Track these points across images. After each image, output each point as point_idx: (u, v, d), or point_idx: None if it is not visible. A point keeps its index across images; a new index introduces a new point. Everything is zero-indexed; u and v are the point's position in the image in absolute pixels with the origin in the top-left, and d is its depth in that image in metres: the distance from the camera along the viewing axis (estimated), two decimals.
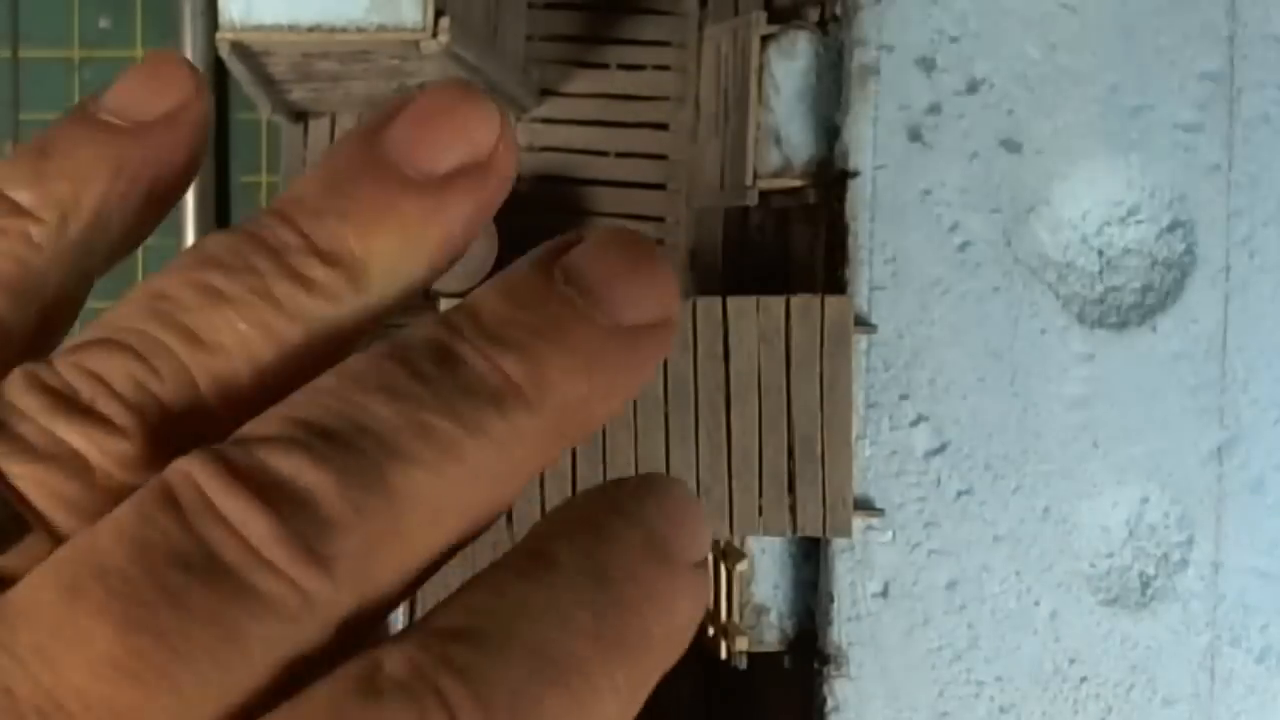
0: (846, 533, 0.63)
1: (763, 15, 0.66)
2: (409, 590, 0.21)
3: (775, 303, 0.62)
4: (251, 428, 0.20)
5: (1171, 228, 0.64)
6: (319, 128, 0.79)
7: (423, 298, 0.80)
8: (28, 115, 0.84)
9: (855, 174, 0.64)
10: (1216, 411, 0.64)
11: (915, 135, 0.64)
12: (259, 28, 0.65)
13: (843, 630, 0.64)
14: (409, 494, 0.20)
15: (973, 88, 0.64)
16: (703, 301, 0.62)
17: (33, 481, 0.20)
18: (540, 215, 0.79)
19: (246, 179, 0.84)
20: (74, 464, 0.20)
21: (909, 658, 0.64)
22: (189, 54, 0.81)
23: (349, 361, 0.20)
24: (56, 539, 0.20)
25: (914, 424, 0.64)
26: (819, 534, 0.63)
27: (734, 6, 0.73)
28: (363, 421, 0.20)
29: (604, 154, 0.79)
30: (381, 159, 0.21)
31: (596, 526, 0.20)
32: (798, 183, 0.66)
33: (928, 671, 0.64)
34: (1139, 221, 0.65)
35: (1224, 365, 0.64)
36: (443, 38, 0.65)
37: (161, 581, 0.19)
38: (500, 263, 0.74)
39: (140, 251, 0.85)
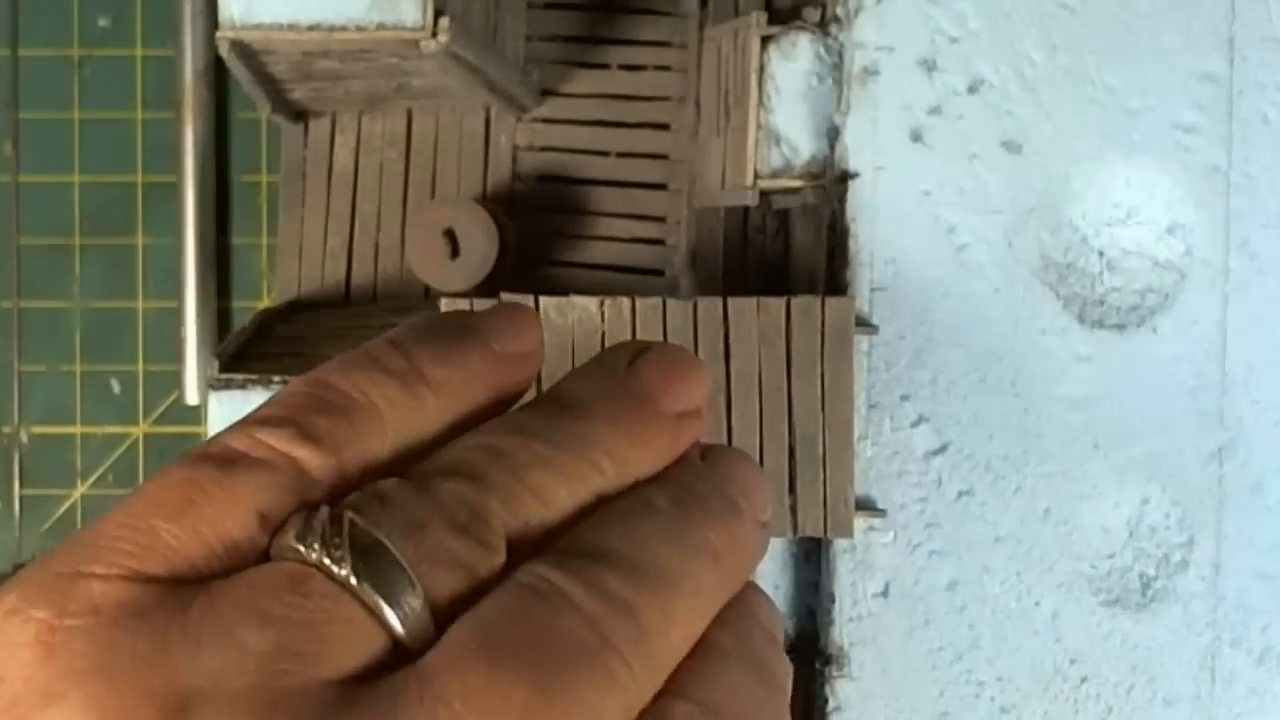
0: (848, 533, 0.63)
1: (763, 16, 0.66)
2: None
3: (776, 303, 0.62)
4: (573, 546, 0.30)
5: (1171, 229, 0.64)
6: (319, 127, 0.79)
7: (423, 295, 0.79)
8: (26, 114, 0.84)
9: (856, 175, 0.64)
10: (1217, 413, 0.64)
11: (916, 136, 0.64)
12: (259, 26, 0.65)
13: (844, 630, 0.64)
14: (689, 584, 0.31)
15: (973, 88, 0.64)
16: (703, 302, 0.62)
17: (436, 580, 0.28)
18: (541, 216, 0.79)
19: (246, 178, 0.84)
20: (464, 572, 0.29)
21: (910, 658, 0.64)
22: (188, 53, 0.81)
23: (632, 506, 0.31)
24: (444, 621, 0.28)
25: (915, 424, 0.64)
26: (820, 534, 0.63)
27: (734, 7, 0.73)
28: (646, 553, 0.30)
29: (605, 154, 0.79)
30: (644, 394, 0.33)
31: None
32: (798, 183, 0.66)
33: (929, 672, 0.64)
34: (1139, 223, 0.65)
35: (1224, 367, 0.64)
36: (442, 37, 0.65)
37: (551, 657, 0.28)
38: (500, 263, 0.73)
39: (140, 251, 0.84)
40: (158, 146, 0.83)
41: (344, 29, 0.65)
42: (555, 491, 0.30)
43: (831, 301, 0.62)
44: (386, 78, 0.73)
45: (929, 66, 0.64)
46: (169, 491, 0.29)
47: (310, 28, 0.65)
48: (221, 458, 0.30)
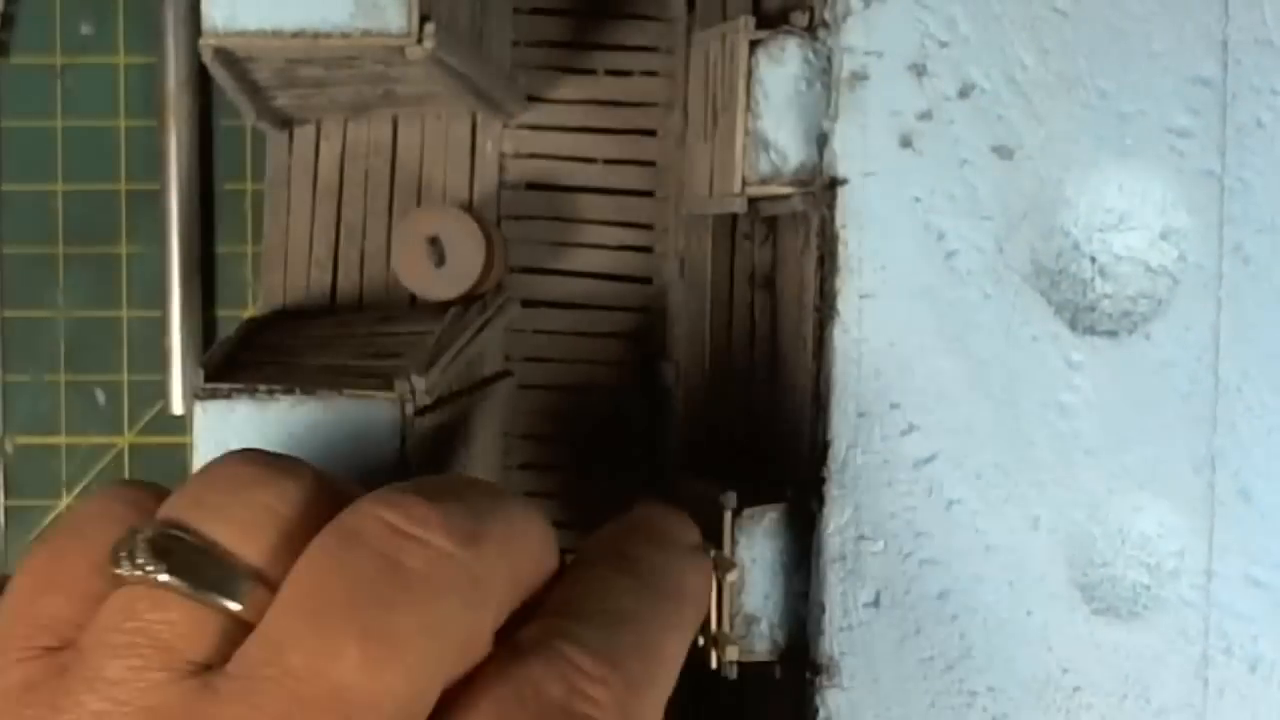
0: None
1: (751, 20, 0.65)
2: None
3: None
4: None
5: (1164, 234, 0.64)
6: (304, 134, 0.79)
7: (409, 304, 0.79)
8: (9, 122, 0.84)
9: (845, 181, 0.63)
10: (1209, 419, 0.63)
11: (906, 142, 0.63)
12: (242, 33, 0.64)
13: (834, 640, 0.63)
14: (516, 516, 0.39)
15: (964, 93, 0.63)
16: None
17: (247, 547, 0.33)
18: (527, 223, 0.78)
19: (231, 186, 0.83)
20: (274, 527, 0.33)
21: (901, 668, 0.63)
22: (171, 60, 0.80)
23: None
24: (273, 587, 0.32)
25: (905, 433, 0.63)
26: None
27: (722, 11, 0.72)
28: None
29: (592, 161, 0.79)
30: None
31: (657, 538, 0.43)
32: (787, 190, 0.65)
33: (920, 681, 0.63)
34: (1131, 228, 0.64)
35: (1217, 373, 0.63)
36: (428, 43, 0.64)
37: (375, 596, 0.30)
38: (488, 269, 0.73)
39: (124, 259, 0.84)
40: (141, 154, 0.83)
41: (328, 35, 0.64)
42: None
43: None
44: (371, 84, 0.72)
45: (919, 71, 0.63)
46: (39, 566, 0.34)
47: (294, 34, 0.64)
48: (68, 524, 0.35)
